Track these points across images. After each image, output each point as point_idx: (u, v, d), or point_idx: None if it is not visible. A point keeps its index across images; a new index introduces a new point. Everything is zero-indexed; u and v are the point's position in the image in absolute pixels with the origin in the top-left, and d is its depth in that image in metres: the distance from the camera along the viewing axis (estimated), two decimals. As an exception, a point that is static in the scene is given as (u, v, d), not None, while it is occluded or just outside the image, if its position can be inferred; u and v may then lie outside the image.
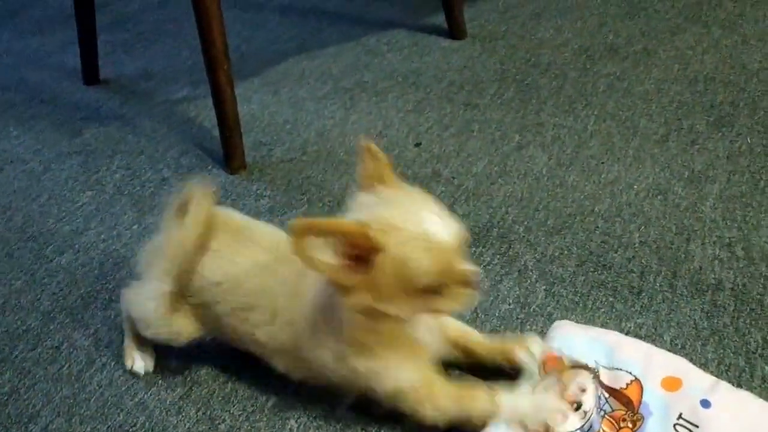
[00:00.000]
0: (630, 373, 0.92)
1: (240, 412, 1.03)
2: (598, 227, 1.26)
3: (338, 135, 1.62)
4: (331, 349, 0.91)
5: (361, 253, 0.80)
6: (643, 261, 1.18)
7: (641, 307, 1.10)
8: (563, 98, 1.63)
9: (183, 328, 1.04)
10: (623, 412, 0.90)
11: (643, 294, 1.12)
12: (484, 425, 0.90)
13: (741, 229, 1.21)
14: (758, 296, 1.09)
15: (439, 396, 0.91)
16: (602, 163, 1.41)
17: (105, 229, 1.43)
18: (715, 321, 1.06)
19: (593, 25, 1.91)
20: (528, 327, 1.09)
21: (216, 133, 1.57)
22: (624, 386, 0.92)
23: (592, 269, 1.18)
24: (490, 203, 1.35)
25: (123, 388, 1.09)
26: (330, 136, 1.62)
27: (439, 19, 1.98)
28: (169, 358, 1.13)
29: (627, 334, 1.06)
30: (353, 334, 0.89)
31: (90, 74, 1.97)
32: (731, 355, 1.00)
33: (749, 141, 1.41)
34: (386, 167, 0.87)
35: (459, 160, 1.48)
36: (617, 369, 0.93)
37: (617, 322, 1.08)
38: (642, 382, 0.91)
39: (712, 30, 1.81)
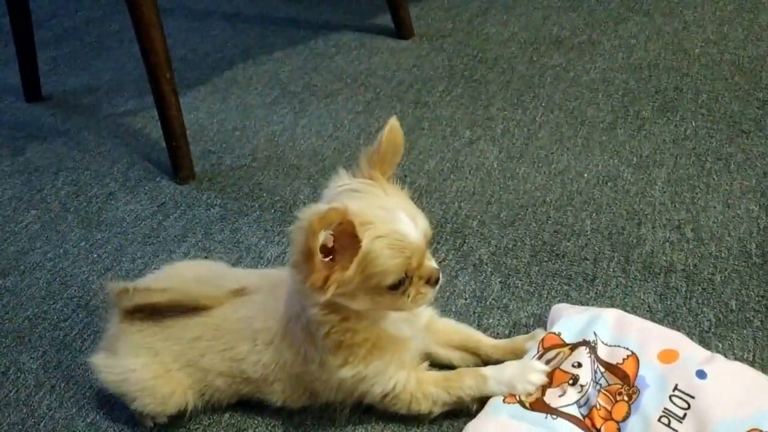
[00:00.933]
0: (627, 348, 0.92)
1: (196, 426, 1.00)
2: (550, 217, 1.26)
3: (288, 139, 1.60)
4: (314, 360, 0.91)
5: (339, 244, 0.81)
6: (595, 248, 1.18)
7: (596, 293, 1.10)
8: (511, 92, 1.64)
9: (171, 396, 0.97)
10: (619, 386, 0.90)
11: (597, 280, 1.13)
12: (477, 404, 0.92)
13: (690, 211, 1.22)
14: (709, 276, 1.10)
15: (428, 387, 0.93)
16: (552, 153, 1.42)
17: (51, 247, 1.38)
18: (669, 302, 1.07)
19: (538, 19, 1.92)
20: (485, 320, 1.09)
21: (164, 144, 1.53)
22: (620, 361, 0.92)
23: (546, 259, 1.18)
24: (443, 199, 1.34)
25: (74, 410, 1.05)
26: (280, 141, 1.60)
27: (386, 20, 1.98)
28: (121, 375, 1.09)
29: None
30: (329, 338, 0.89)
31: (31, 91, 1.92)
32: (686, 334, 1.00)
33: (694, 125, 1.43)
34: (397, 157, 0.90)
35: (411, 158, 1.47)
36: (615, 345, 0.93)
37: (573, 309, 1.08)
38: (638, 357, 0.91)
39: (654, 18, 1.83)
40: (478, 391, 0.92)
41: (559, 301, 1.09)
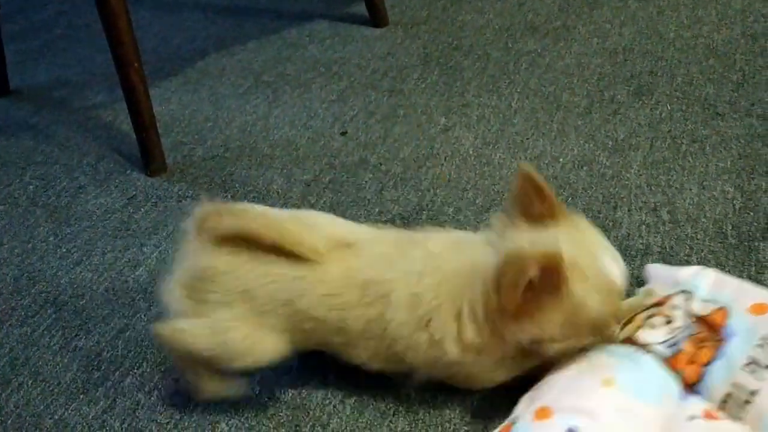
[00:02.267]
0: (718, 302, 0.91)
1: (167, 420, 0.98)
2: (526, 202, 1.25)
3: (261, 129, 1.57)
4: (436, 335, 0.84)
5: (542, 283, 0.75)
6: (572, 232, 1.17)
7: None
8: (487, 78, 1.62)
9: (269, 346, 0.90)
10: (706, 333, 0.89)
11: (574, 264, 1.11)
12: None
13: (665, 193, 1.22)
14: (685, 257, 1.09)
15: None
16: (527, 138, 1.41)
17: (19, 243, 1.35)
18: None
19: (513, 6, 1.91)
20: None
21: (134, 136, 1.50)
22: (709, 312, 0.90)
23: (522, 244, 1.17)
24: (419, 186, 1.33)
25: (41, 407, 1.03)
26: (253, 132, 1.57)
27: (360, 8, 1.95)
28: (91, 369, 1.07)
29: (559, 305, 1.05)
30: (479, 342, 0.83)
31: (-2, 85, 1.88)
32: (661, 316, 1.00)
33: (669, 108, 1.43)
34: (554, 200, 0.82)
35: (386, 146, 1.46)
36: (709, 301, 0.92)
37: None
38: (729, 309, 0.90)
39: (628, 3, 1.83)
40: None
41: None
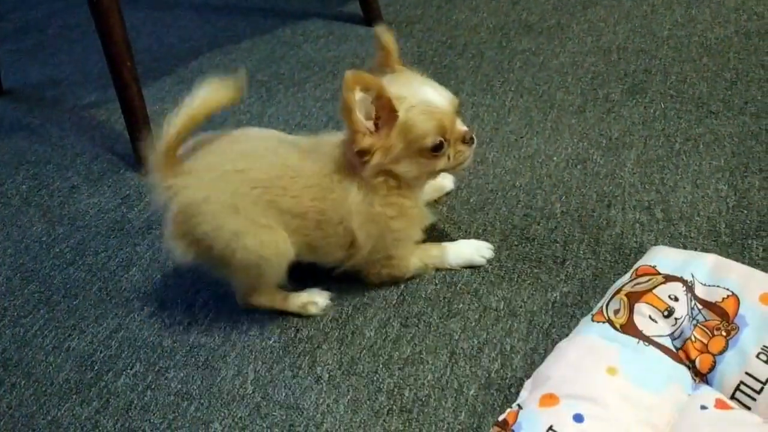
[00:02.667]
0: (727, 289, 0.93)
1: (160, 421, 0.98)
2: (520, 201, 1.25)
3: (256, 129, 1.57)
4: (374, 205, 1.01)
5: (380, 116, 0.95)
6: (565, 230, 1.17)
7: (566, 276, 1.09)
8: (481, 77, 1.62)
9: (280, 244, 1.02)
10: (718, 322, 0.90)
11: (568, 263, 1.12)
12: (434, 270, 1.12)
13: (659, 192, 1.22)
14: (678, 255, 1.09)
15: (411, 256, 1.10)
16: (521, 137, 1.41)
17: (12, 243, 1.35)
18: (638, 283, 1.06)
19: (507, 4, 1.91)
20: (455, 305, 1.07)
21: (128, 135, 1.50)
22: (720, 300, 0.92)
23: (516, 243, 1.17)
24: (413, 185, 1.33)
25: (34, 407, 1.02)
26: (247, 131, 1.57)
27: (354, 7, 1.95)
28: (84, 370, 1.07)
29: (553, 304, 1.05)
30: (386, 198, 1.02)
31: (-9, 85, 1.87)
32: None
33: (663, 106, 1.43)
34: (393, 55, 1.04)
35: (380, 145, 1.45)
36: (714, 286, 0.94)
37: (543, 293, 1.07)
38: (739, 297, 0.91)
39: (623, 1, 1.83)
40: (440, 261, 1.12)
41: (530, 284, 1.09)
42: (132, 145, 1.47)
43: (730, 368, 0.86)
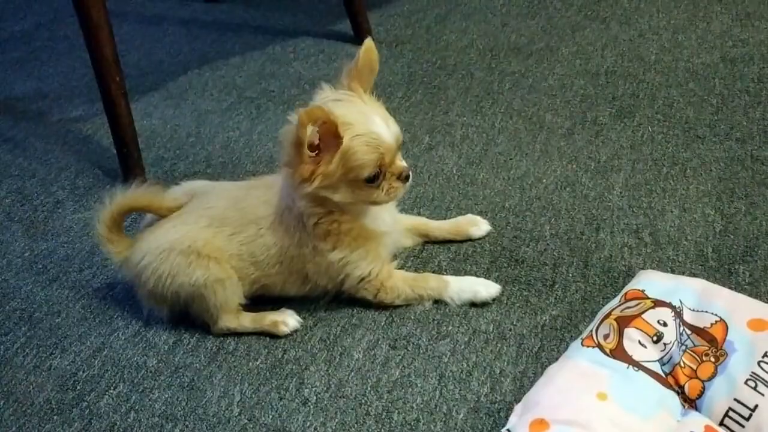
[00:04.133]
0: (715, 314, 0.93)
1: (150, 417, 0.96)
2: (509, 223, 1.25)
3: (244, 146, 1.56)
4: (307, 244, 1.05)
5: (323, 141, 0.95)
6: (554, 253, 1.18)
7: (555, 299, 1.09)
8: (470, 98, 1.63)
9: (225, 274, 1.07)
10: (706, 348, 0.90)
11: (557, 286, 1.12)
12: (431, 301, 1.10)
13: (647, 216, 1.23)
14: (667, 280, 1.10)
15: (396, 281, 1.09)
16: (511, 159, 1.41)
17: (-7, 258, 1.32)
18: (627, 307, 1.06)
19: (497, 26, 1.93)
20: (444, 327, 1.07)
21: (114, 150, 1.48)
22: (708, 326, 0.92)
23: (505, 265, 1.17)
24: (402, 205, 1.32)
25: (14, 428, 1.00)
26: (236, 148, 1.56)
27: (345, 26, 1.96)
28: (66, 390, 1.04)
29: (542, 327, 1.05)
30: (318, 227, 1.04)
31: (-24, 96, 1.84)
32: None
33: (650, 130, 1.44)
34: (372, 74, 1.04)
35: (369, 165, 1.45)
36: (702, 311, 0.94)
37: (532, 316, 1.07)
38: (727, 323, 0.91)
39: (611, 25, 1.85)
40: (438, 293, 1.10)
41: (519, 307, 1.08)
42: (119, 160, 1.46)
43: (719, 394, 0.86)
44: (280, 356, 1.06)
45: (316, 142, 0.95)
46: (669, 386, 0.89)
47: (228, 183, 1.19)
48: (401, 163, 1.03)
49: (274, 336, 1.09)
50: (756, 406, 0.83)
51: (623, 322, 0.93)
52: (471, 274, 1.15)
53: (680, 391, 0.89)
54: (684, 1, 1.90)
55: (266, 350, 1.07)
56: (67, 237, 1.35)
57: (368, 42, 1.03)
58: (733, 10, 1.83)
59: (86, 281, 1.24)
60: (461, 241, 1.22)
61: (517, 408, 0.88)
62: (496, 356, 1.01)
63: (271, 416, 0.97)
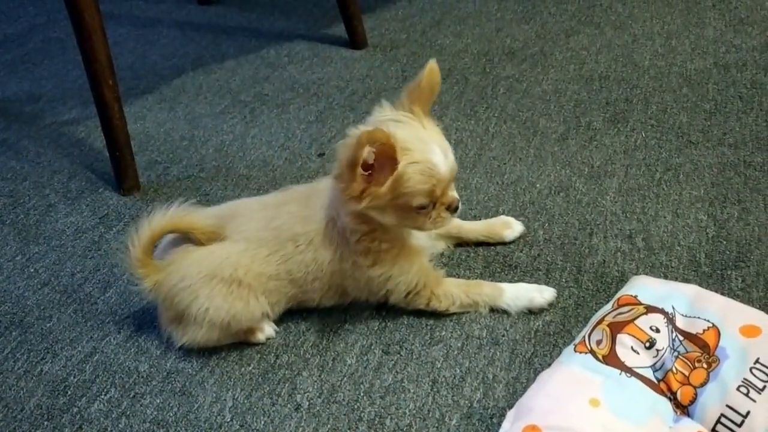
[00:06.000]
0: (707, 320, 0.93)
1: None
2: (503, 227, 1.25)
3: (238, 149, 1.56)
4: (348, 259, 1.03)
5: (378, 162, 0.92)
6: (548, 258, 1.17)
7: (549, 305, 1.09)
8: (465, 102, 1.63)
9: (248, 305, 1.05)
10: (699, 354, 0.90)
11: (550, 291, 1.11)
12: (487, 309, 1.08)
13: (640, 221, 1.23)
14: (660, 285, 1.10)
15: (450, 288, 1.07)
16: (504, 163, 1.41)
17: (-16, 262, 1.32)
18: (620, 313, 1.06)
19: (491, 31, 1.93)
20: (437, 333, 1.07)
21: (107, 153, 1.48)
22: (701, 332, 0.92)
23: (498, 269, 1.16)
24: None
25: (3, 434, 1.00)
26: (229, 151, 1.56)
27: (340, 30, 1.96)
28: (57, 395, 1.04)
29: (535, 333, 1.05)
30: (360, 244, 1.02)
31: (-32, 99, 1.84)
32: (637, 345, 1.00)
33: (644, 135, 1.44)
34: (433, 96, 1.02)
35: (363, 169, 1.45)
36: (695, 317, 0.94)
37: (525, 321, 1.07)
38: (719, 329, 0.92)
39: (605, 31, 1.85)
40: (492, 300, 1.08)
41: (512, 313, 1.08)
42: (112, 163, 1.45)
43: (711, 400, 0.86)
44: (272, 361, 1.06)
45: (371, 161, 0.92)
46: (661, 392, 0.89)
47: (253, 201, 1.15)
48: (453, 194, 1.00)
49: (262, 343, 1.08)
50: (748, 413, 0.83)
51: (616, 328, 0.93)
52: (464, 279, 1.14)
53: (672, 398, 0.89)
54: (678, 7, 1.91)
55: (259, 355, 1.07)
56: (59, 240, 1.35)
57: (432, 63, 1.01)
58: (727, 16, 1.83)
59: (78, 285, 1.23)
60: (493, 244, 1.20)
61: (510, 414, 0.88)
62: (489, 362, 1.01)
63: (263, 422, 0.97)
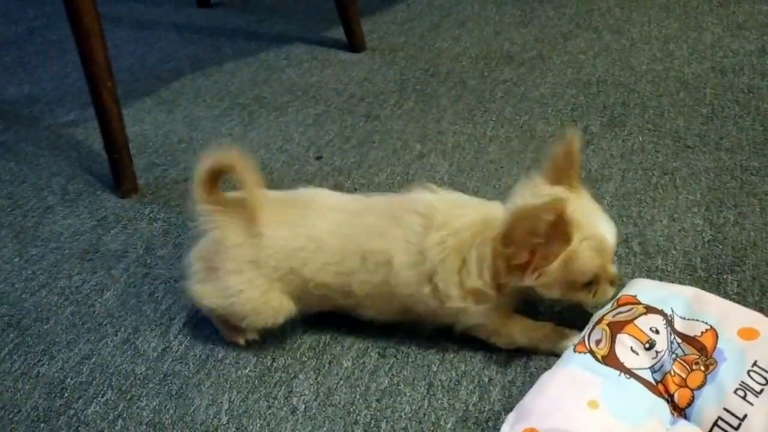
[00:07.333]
0: (705, 323, 0.93)
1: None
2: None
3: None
4: (434, 286, 0.97)
5: (548, 236, 0.88)
6: (544, 262, 1.18)
7: (544, 308, 1.09)
8: (462, 106, 1.63)
9: (279, 306, 1.02)
10: (696, 356, 0.90)
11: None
12: (549, 354, 1.01)
13: (636, 225, 1.23)
14: (656, 289, 1.10)
15: (513, 327, 1.02)
16: (501, 167, 1.41)
17: (-18, 264, 1.32)
18: (616, 317, 1.06)
19: (489, 34, 1.93)
20: (433, 337, 1.07)
21: (106, 156, 1.48)
22: (699, 334, 0.92)
23: (495, 273, 1.17)
24: (393, 213, 1.32)
25: (0, 436, 1.00)
26: (227, 154, 1.56)
27: (338, 33, 1.96)
28: (53, 397, 1.04)
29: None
30: (480, 289, 0.96)
31: (-33, 101, 1.84)
32: (632, 349, 1.00)
33: (641, 139, 1.45)
34: (577, 168, 0.97)
35: (361, 172, 1.45)
36: (693, 319, 0.94)
37: (521, 324, 1.07)
38: (717, 331, 0.92)
39: (603, 35, 1.86)
40: (555, 346, 1.01)
41: (508, 316, 1.09)
42: (110, 165, 1.46)
43: (708, 403, 0.87)
44: (269, 364, 1.06)
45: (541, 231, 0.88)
46: (659, 394, 0.89)
47: (329, 196, 1.08)
48: (614, 268, 0.97)
49: (262, 343, 1.09)
50: (745, 416, 0.84)
51: (616, 328, 0.93)
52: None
53: (670, 400, 0.89)
54: (676, 11, 1.92)
55: (255, 358, 1.07)
56: (57, 243, 1.35)
57: (575, 138, 0.96)
58: (725, 21, 1.84)
59: (76, 287, 1.24)
60: None
61: (510, 417, 0.88)
62: (485, 365, 1.02)
63: (259, 425, 0.97)
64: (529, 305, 1.09)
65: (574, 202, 0.93)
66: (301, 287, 1.02)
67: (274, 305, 1.02)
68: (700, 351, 0.91)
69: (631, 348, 0.91)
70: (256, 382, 1.03)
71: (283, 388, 1.02)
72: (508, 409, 0.90)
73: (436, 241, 0.97)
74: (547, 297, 0.97)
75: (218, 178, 1.02)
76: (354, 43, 1.92)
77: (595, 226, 0.93)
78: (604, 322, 0.95)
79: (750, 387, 0.85)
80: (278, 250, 1.00)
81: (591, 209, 0.96)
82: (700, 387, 0.88)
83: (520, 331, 1.02)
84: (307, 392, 1.01)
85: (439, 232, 0.97)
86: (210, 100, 1.78)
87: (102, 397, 1.03)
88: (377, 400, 0.99)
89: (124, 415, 1.01)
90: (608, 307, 0.98)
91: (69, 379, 1.07)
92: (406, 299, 1.00)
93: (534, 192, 0.96)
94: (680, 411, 0.88)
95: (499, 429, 0.88)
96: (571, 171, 0.96)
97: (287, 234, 1.01)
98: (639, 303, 0.96)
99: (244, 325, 1.04)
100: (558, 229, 0.87)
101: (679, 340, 0.93)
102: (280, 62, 1.93)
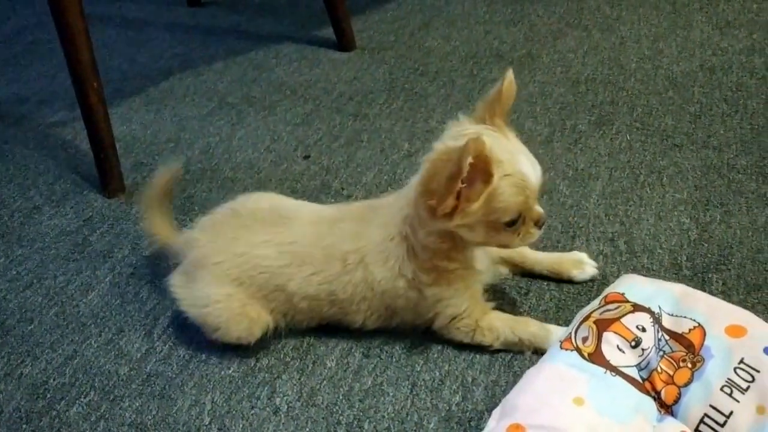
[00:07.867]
0: (693, 320, 0.93)
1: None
2: (486, 230, 1.25)
3: (224, 152, 1.56)
4: (406, 275, 0.99)
5: (471, 177, 0.87)
6: (530, 261, 1.17)
7: (529, 307, 1.09)
8: (451, 105, 1.63)
9: (257, 322, 1.03)
10: (683, 353, 0.90)
11: (531, 294, 1.12)
12: (531, 350, 1.02)
13: (623, 224, 1.23)
14: (641, 288, 1.10)
15: (495, 322, 1.02)
16: (489, 166, 1.41)
17: (-33, 264, 1.31)
18: (601, 316, 1.06)
19: (479, 33, 1.93)
20: (417, 337, 1.06)
21: (93, 156, 1.47)
22: (686, 331, 0.92)
23: (480, 272, 1.16)
24: (380, 213, 1.32)
25: (-18, 438, 0.99)
26: (215, 153, 1.55)
27: (328, 32, 1.96)
28: (36, 398, 1.03)
29: (516, 335, 1.05)
30: (430, 261, 0.97)
31: (-45, 100, 1.83)
32: (616, 348, 1.00)
33: (629, 138, 1.45)
34: (505, 106, 0.96)
35: (348, 171, 1.45)
36: (681, 316, 0.94)
37: (506, 324, 1.07)
38: (705, 329, 0.91)
39: (592, 33, 1.86)
40: (538, 341, 1.01)
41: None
42: (96, 165, 1.45)
43: (695, 400, 0.86)
44: (252, 365, 1.05)
45: (464, 174, 0.87)
46: (646, 392, 0.89)
47: (310, 210, 1.10)
48: (539, 208, 0.96)
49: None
50: (731, 413, 0.84)
51: (602, 326, 0.93)
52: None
53: (657, 397, 0.89)
54: (665, 10, 1.91)
55: (239, 359, 1.07)
56: (43, 243, 1.34)
57: (510, 74, 0.96)
58: (714, 19, 1.84)
59: (60, 288, 1.23)
60: (558, 281, 1.12)
61: (495, 412, 0.87)
62: (468, 365, 1.01)
63: (241, 425, 0.97)
64: (510, 303, 1.09)
65: (498, 140, 0.92)
66: (289, 303, 1.03)
67: (252, 316, 1.02)
68: (688, 348, 0.91)
69: (618, 346, 0.91)
70: (240, 382, 1.03)
71: (266, 388, 1.02)
72: (491, 409, 0.89)
73: (389, 237, 0.99)
74: (472, 241, 0.96)
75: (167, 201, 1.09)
76: (343, 42, 1.92)
77: (516, 164, 0.91)
78: (591, 319, 0.94)
79: (736, 384, 0.85)
80: (265, 268, 1.02)
81: (514, 147, 0.94)
82: (687, 384, 0.88)
83: (502, 323, 1.02)
84: (290, 392, 1.01)
85: (386, 229, 1.00)
86: (198, 100, 1.77)
87: (84, 398, 1.03)
88: (360, 400, 0.98)
89: (107, 416, 1.00)
90: (596, 303, 0.98)
91: (52, 380, 1.07)
92: (387, 298, 1.01)
93: (455, 134, 0.95)
94: (667, 408, 0.88)
95: (482, 429, 0.88)
96: (498, 109, 0.95)
97: (273, 249, 1.03)
98: (627, 301, 0.96)
99: (215, 338, 1.04)
100: (478, 167, 0.86)
101: (667, 337, 0.93)
102: (269, 61, 1.92)
